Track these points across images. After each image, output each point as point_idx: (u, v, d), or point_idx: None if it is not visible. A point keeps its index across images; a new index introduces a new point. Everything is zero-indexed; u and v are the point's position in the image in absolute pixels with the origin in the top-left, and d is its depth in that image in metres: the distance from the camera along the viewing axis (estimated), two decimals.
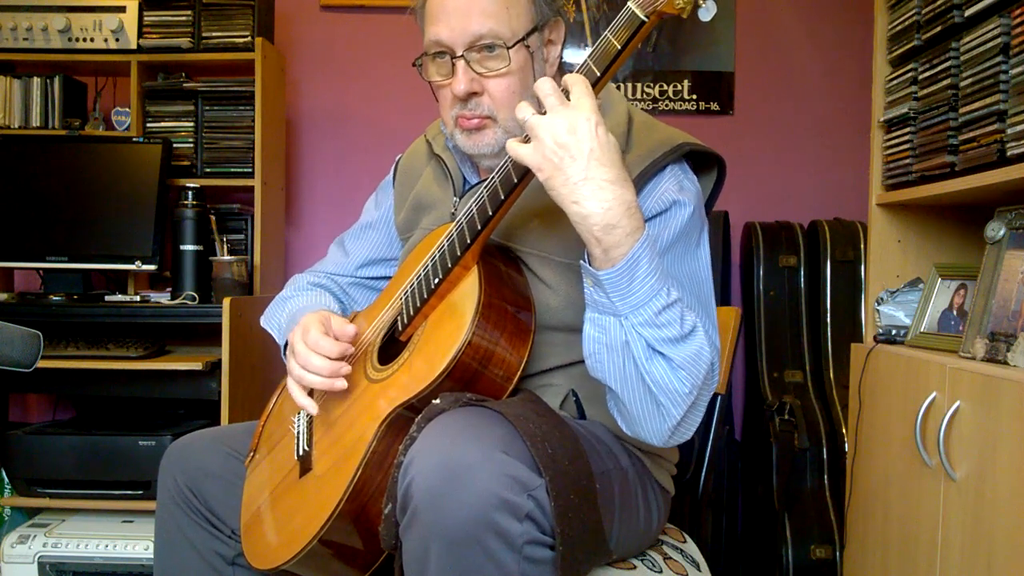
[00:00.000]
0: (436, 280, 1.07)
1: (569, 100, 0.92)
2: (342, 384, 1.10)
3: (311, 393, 1.21)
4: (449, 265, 1.05)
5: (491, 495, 0.84)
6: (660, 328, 0.93)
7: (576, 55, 2.75)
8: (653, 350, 0.94)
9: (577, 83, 0.92)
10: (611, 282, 0.92)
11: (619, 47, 0.91)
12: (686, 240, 1.08)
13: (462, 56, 1.09)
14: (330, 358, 1.09)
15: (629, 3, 0.90)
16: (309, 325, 1.12)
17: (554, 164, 0.90)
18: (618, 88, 2.77)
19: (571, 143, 0.89)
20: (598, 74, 0.92)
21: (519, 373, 1.03)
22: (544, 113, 0.92)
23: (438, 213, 1.24)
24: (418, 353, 1.05)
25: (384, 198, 1.41)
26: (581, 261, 0.96)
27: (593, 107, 0.91)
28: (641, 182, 1.07)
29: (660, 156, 1.08)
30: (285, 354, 1.20)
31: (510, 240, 1.13)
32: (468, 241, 1.04)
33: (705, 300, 1.08)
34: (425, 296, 1.09)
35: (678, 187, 1.08)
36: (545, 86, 0.93)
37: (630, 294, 0.92)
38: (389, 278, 1.34)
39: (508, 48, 1.09)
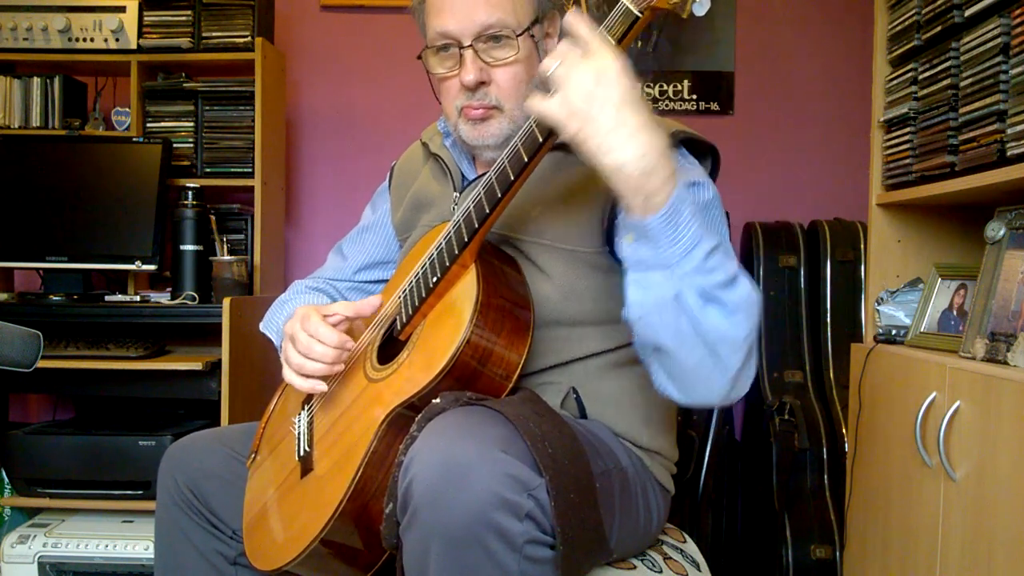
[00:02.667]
0: (434, 279, 1.07)
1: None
2: (339, 367, 1.11)
3: (310, 394, 1.22)
4: (447, 264, 1.06)
5: (491, 494, 0.84)
6: (710, 273, 0.89)
7: None
8: (707, 297, 0.89)
9: (596, 38, 0.88)
10: (658, 229, 0.87)
11: (614, 43, 0.90)
12: (710, 212, 1.07)
13: (470, 46, 1.09)
14: (331, 346, 1.10)
15: None
16: (309, 314, 1.13)
17: (585, 114, 0.86)
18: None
19: (599, 91, 0.85)
20: None
21: (518, 371, 1.03)
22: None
23: (438, 210, 1.25)
24: (417, 352, 1.05)
25: (381, 203, 1.41)
26: (620, 216, 0.91)
27: (616, 56, 0.87)
28: None
29: None
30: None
31: (511, 229, 1.13)
32: (466, 239, 1.04)
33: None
34: (424, 295, 1.09)
35: (686, 171, 1.08)
36: (565, 45, 0.88)
37: (677, 240, 0.87)
38: (387, 282, 1.34)
39: (517, 36, 1.09)
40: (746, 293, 0.91)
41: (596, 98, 0.85)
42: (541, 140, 0.95)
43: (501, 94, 1.12)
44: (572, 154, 1.11)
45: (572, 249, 1.09)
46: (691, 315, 0.89)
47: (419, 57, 1.17)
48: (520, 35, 1.10)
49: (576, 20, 0.88)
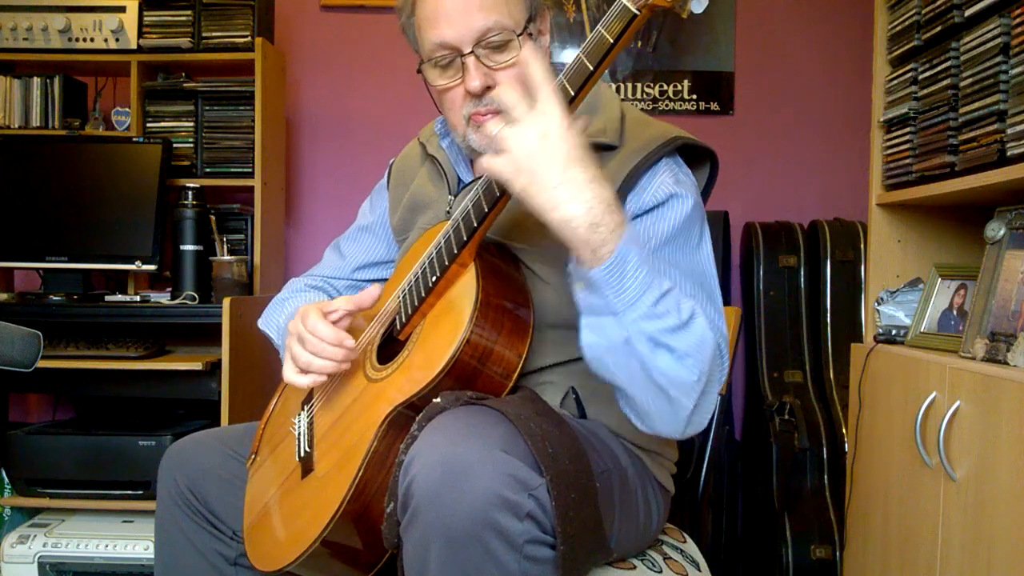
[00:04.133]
0: (434, 278, 1.07)
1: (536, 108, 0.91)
2: (346, 365, 1.11)
3: (310, 394, 1.22)
4: (446, 263, 1.05)
5: (492, 494, 0.84)
6: (659, 319, 0.91)
7: (575, 55, 2.75)
8: (655, 342, 0.92)
9: (543, 89, 0.91)
10: (604, 280, 0.90)
11: (611, 41, 0.90)
12: (687, 232, 1.08)
13: (472, 52, 1.09)
14: (343, 347, 1.10)
15: None
16: (308, 312, 1.12)
17: (530, 172, 0.89)
18: (618, 88, 2.78)
19: (545, 148, 0.88)
20: (591, 68, 0.92)
21: (518, 370, 1.03)
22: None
23: (434, 212, 1.24)
24: (417, 352, 1.05)
25: (379, 201, 1.41)
26: (569, 267, 0.95)
27: (561, 110, 0.90)
28: (636, 176, 1.07)
29: (654, 150, 1.09)
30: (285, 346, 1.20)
31: (507, 238, 1.13)
32: (464, 238, 1.04)
33: (709, 288, 1.07)
34: (423, 295, 1.08)
35: (674, 180, 1.08)
36: (509, 96, 0.92)
37: (624, 289, 0.90)
38: (385, 280, 1.34)
39: (518, 36, 1.09)
40: (697, 337, 0.93)
41: (541, 156, 0.88)
42: None
43: None
44: None
45: (567, 258, 1.09)
46: (641, 359, 0.92)
47: (419, 71, 1.16)
48: (520, 34, 1.09)
49: (532, 58, 0.91)
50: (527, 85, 0.91)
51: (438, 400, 0.96)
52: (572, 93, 0.93)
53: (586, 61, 0.92)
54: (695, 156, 1.17)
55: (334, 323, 1.12)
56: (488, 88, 1.10)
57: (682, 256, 1.07)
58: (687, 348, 0.92)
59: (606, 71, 2.90)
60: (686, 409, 0.95)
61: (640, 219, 1.07)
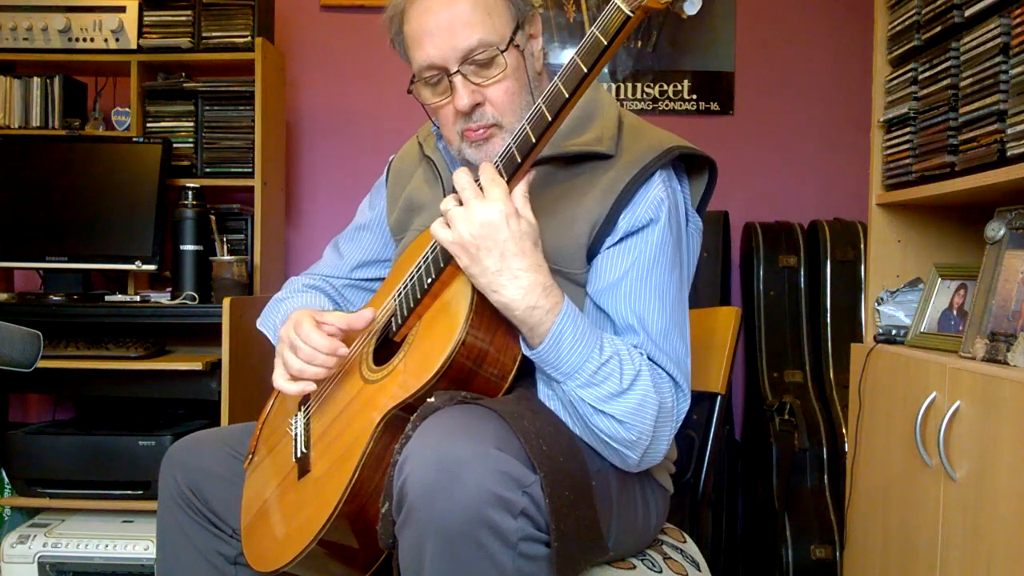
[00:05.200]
0: (429, 280, 1.07)
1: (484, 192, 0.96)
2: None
3: (307, 396, 1.22)
4: (442, 265, 1.05)
5: (485, 491, 0.84)
6: (598, 386, 0.99)
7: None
8: (594, 409, 0.99)
9: (485, 172, 0.97)
10: (542, 358, 0.99)
11: (605, 43, 0.90)
12: (664, 250, 1.09)
13: (458, 71, 1.09)
14: (336, 355, 1.11)
15: None
16: (302, 320, 1.12)
17: (471, 255, 0.96)
18: (618, 88, 2.79)
19: (485, 235, 0.95)
20: (585, 70, 0.92)
21: (514, 372, 1.03)
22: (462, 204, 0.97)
23: (430, 214, 1.24)
24: (413, 353, 1.05)
25: (377, 199, 1.41)
26: (520, 341, 1.02)
27: (504, 197, 0.96)
28: (632, 189, 1.08)
29: (649, 163, 1.09)
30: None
31: None
32: None
33: (679, 314, 1.09)
34: (419, 296, 1.08)
35: (666, 195, 1.09)
36: (461, 179, 0.98)
37: (561, 363, 0.98)
38: (383, 279, 1.34)
39: (503, 52, 1.09)
40: (636, 402, 1.00)
41: (482, 242, 0.95)
42: (534, 141, 0.96)
43: (498, 111, 1.11)
44: (563, 168, 1.12)
45: (557, 268, 1.09)
46: (586, 419, 1.01)
47: (409, 91, 1.16)
48: (505, 50, 1.09)
49: (483, 168, 0.98)
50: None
51: (432, 400, 0.96)
52: (567, 95, 0.93)
53: (580, 63, 0.92)
54: (693, 162, 1.16)
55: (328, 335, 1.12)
56: (477, 105, 1.10)
57: (663, 278, 1.08)
58: (624, 413, 1.00)
59: (606, 71, 2.90)
60: (633, 458, 1.03)
61: (631, 238, 1.08)
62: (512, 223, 0.95)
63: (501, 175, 0.98)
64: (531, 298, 0.96)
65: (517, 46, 1.11)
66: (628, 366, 1.01)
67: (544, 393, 1.05)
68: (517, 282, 0.96)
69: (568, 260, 1.09)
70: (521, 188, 0.99)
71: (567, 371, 0.98)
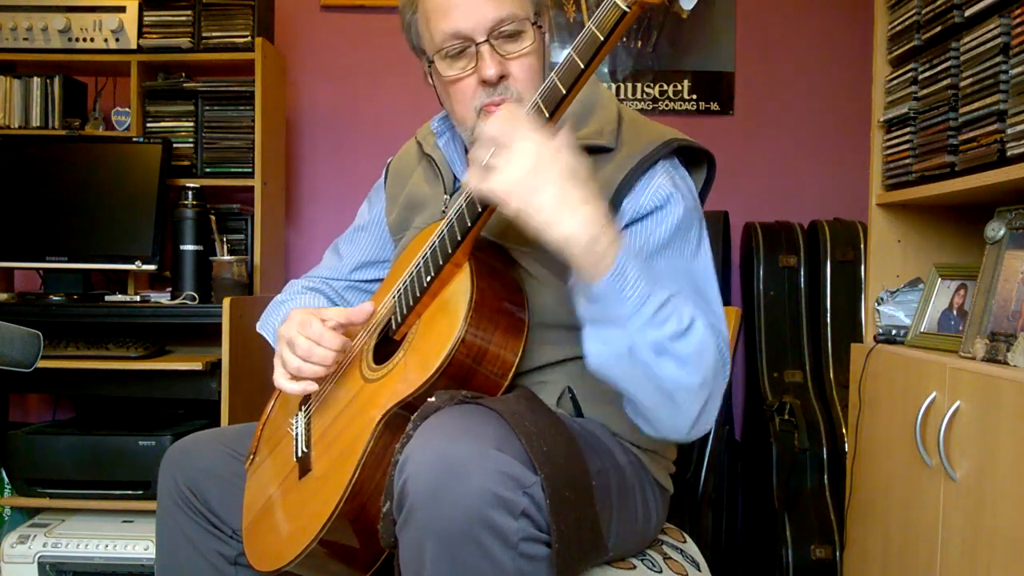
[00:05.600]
0: (428, 278, 1.07)
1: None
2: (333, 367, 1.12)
3: (307, 395, 1.22)
4: (440, 263, 1.05)
5: (486, 492, 0.84)
6: (660, 326, 0.93)
7: None
8: (659, 350, 0.94)
9: (529, 113, 0.93)
10: (605, 292, 0.92)
11: (602, 38, 0.90)
12: (683, 236, 1.08)
13: (487, 40, 1.08)
14: (333, 350, 1.10)
15: None
16: (309, 320, 1.13)
17: (522, 196, 0.90)
18: (618, 88, 2.79)
19: (536, 172, 0.89)
20: (582, 66, 0.92)
21: (514, 370, 1.03)
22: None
23: (430, 212, 1.24)
24: (412, 352, 1.05)
25: (376, 200, 1.41)
26: (570, 282, 0.96)
27: (548, 132, 0.91)
28: (632, 180, 1.07)
29: (651, 152, 1.09)
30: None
31: (502, 238, 1.13)
32: (459, 238, 1.03)
33: (705, 292, 1.07)
34: (418, 294, 1.08)
35: (671, 183, 1.08)
36: (494, 126, 0.92)
37: (625, 300, 0.92)
38: (383, 280, 1.34)
39: (533, 24, 1.09)
40: (698, 341, 0.95)
41: (532, 180, 0.89)
42: None
43: (520, 86, 1.10)
44: None
45: (562, 258, 1.09)
46: (646, 367, 0.94)
47: (429, 70, 1.15)
48: (534, 23, 1.10)
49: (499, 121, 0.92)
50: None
51: (433, 399, 0.96)
52: (563, 91, 0.93)
53: (577, 59, 0.92)
54: (693, 158, 1.16)
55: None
56: (503, 77, 1.10)
57: (679, 261, 1.07)
58: (688, 354, 0.94)
59: (606, 71, 2.90)
60: (692, 412, 0.97)
61: (637, 224, 1.07)
62: (561, 155, 0.90)
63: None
64: (593, 229, 0.90)
65: (540, 27, 1.12)
66: (684, 308, 0.95)
67: (594, 352, 0.97)
68: (578, 214, 0.90)
69: None
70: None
71: (629, 310, 0.92)
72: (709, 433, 1.40)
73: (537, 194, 0.90)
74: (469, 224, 1.02)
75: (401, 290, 1.12)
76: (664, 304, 0.93)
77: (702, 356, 0.95)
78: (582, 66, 0.92)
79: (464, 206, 1.03)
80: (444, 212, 1.19)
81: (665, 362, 0.94)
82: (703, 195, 1.19)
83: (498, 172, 0.91)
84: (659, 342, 0.93)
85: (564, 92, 0.93)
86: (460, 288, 1.03)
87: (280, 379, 1.15)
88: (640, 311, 0.92)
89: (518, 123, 0.92)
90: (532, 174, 0.89)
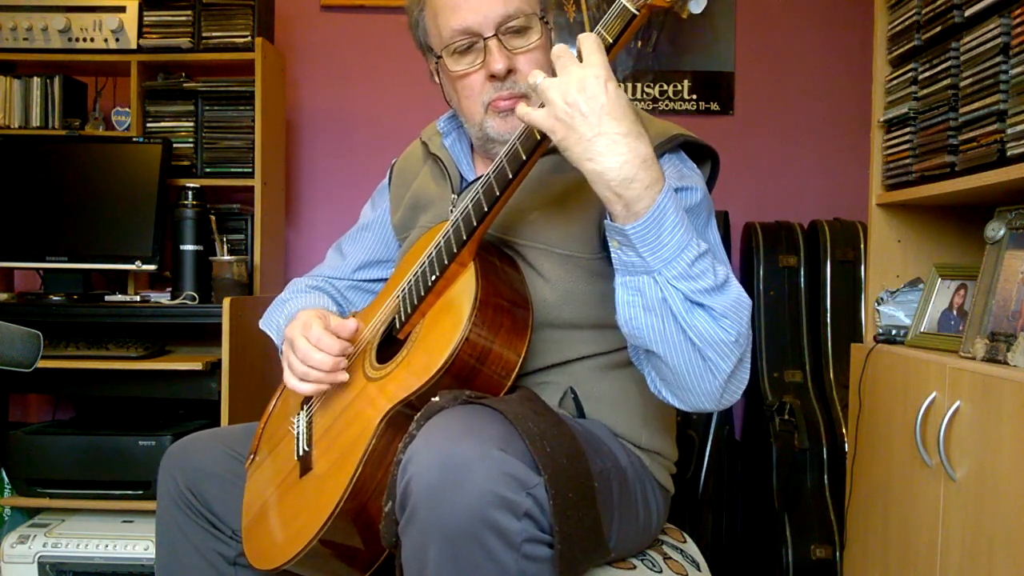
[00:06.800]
0: (433, 277, 1.07)
1: (581, 60, 0.91)
2: (344, 376, 1.11)
3: (307, 397, 1.22)
4: (446, 262, 1.06)
5: (489, 493, 0.84)
6: (695, 279, 0.91)
7: None
8: (692, 302, 0.91)
9: (587, 41, 0.91)
10: (639, 236, 0.90)
11: (611, 41, 0.91)
12: (695, 219, 1.08)
13: (495, 35, 1.09)
14: (331, 355, 1.10)
15: None
16: (310, 321, 1.13)
17: (566, 123, 0.89)
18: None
19: (581, 100, 0.88)
20: None
21: (517, 370, 1.03)
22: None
23: (436, 211, 1.25)
24: (416, 350, 1.05)
25: (380, 201, 1.41)
26: (606, 221, 0.93)
27: (603, 63, 0.89)
28: None
29: (656, 146, 1.09)
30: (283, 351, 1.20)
31: (509, 233, 1.13)
32: (464, 238, 1.04)
33: (725, 263, 1.07)
34: (422, 294, 1.09)
35: (678, 175, 1.09)
36: (558, 49, 0.92)
37: (660, 247, 0.90)
38: (385, 280, 1.34)
39: (540, 19, 1.10)
40: (734, 298, 0.93)
41: (579, 105, 0.88)
42: (539, 139, 0.96)
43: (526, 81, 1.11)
44: None
45: (569, 254, 1.09)
46: (678, 318, 0.91)
47: (436, 67, 1.16)
48: (542, 18, 1.11)
49: (563, 46, 0.92)
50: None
51: (436, 399, 0.96)
52: None
53: None
54: (696, 155, 1.17)
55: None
56: (510, 72, 1.10)
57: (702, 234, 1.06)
58: (724, 308, 0.92)
59: None
60: (723, 373, 0.94)
61: None
62: (611, 87, 0.89)
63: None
64: (628, 169, 0.88)
65: (546, 22, 1.13)
66: (719, 266, 0.94)
67: (624, 301, 0.94)
68: (615, 147, 0.88)
69: (580, 246, 1.10)
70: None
71: (666, 256, 0.90)
72: (709, 433, 1.40)
73: (579, 123, 0.88)
74: (475, 224, 1.02)
75: (406, 289, 1.13)
76: (701, 256, 0.91)
77: (738, 311, 0.93)
78: None
79: (470, 206, 1.03)
80: (451, 211, 1.19)
81: (698, 314, 0.92)
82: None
83: (547, 100, 0.90)
84: (693, 294, 0.91)
85: None
86: (465, 288, 1.03)
87: (290, 379, 1.15)
88: (675, 260, 0.90)
89: (587, 48, 0.91)
90: (577, 102, 0.88)
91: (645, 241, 0.90)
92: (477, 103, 1.14)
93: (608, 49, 0.91)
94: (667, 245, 0.89)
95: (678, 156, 1.13)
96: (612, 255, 0.95)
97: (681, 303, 0.91)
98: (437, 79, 1.21)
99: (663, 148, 1.10)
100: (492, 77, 1.11)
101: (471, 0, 1.09)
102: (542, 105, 0.92)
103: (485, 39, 1.10)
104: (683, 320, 0.91)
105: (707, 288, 0.91)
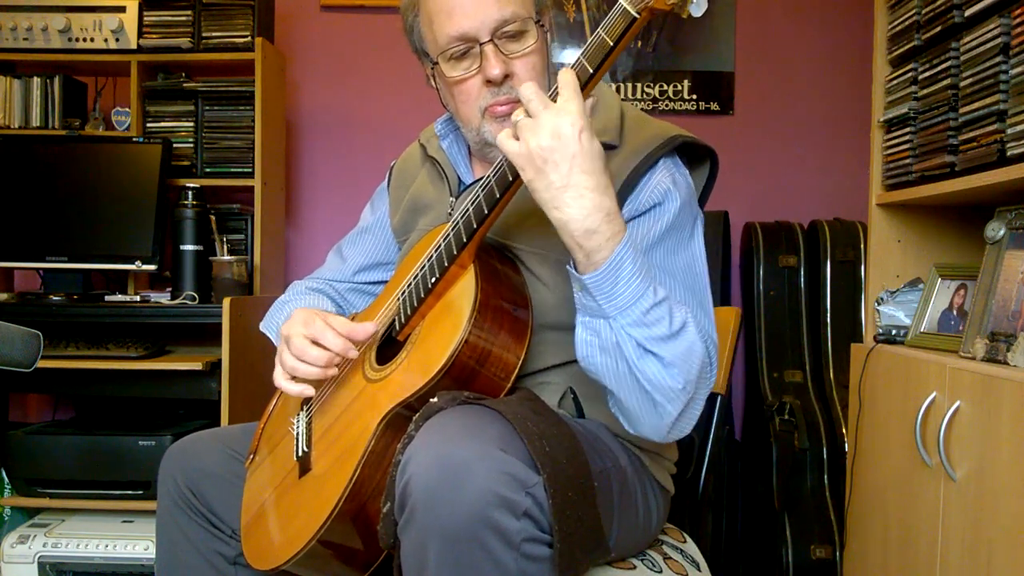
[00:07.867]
0: (433, 279, 1.07)
1: (556, 102, 0.91)
2: (332, 371, 1.11)
3: (307, 398, 1.21)
4: (446, 264, 1.06)
5: (489, 492, 0.84)
6: (649, 327, 0.94)
7: (575, 55, 2.75)
8: (644, 349, 0.94)
9: (567, 85, 0.92)
10: (596, 285, 0.93)
11: (612, 44, 0.91)
12: (678, 233, 1.08)
13: (490, 41, 1.09)
14: (334, 351, 1.09)
15: (621, 0, 0.90)
16: (312, 318, 1.12)
17: (537, 167, 0.91)
18: (618, 88, 2.78)
19: (555, 148, 0.90)
20: (591, 71, 0.92)
21: (517, 371, 1.03)
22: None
23: (435, 214, 1.24)
24: (415, 352, 1.05)
25: (380, 203, 1.41)
26: (568, 266, 0.96)
27: (580, 110, 0.90)
28: (636, 177, 1.08)
29: (653, 150, 1.09)
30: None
31: (507, 238, 1.13)
32: (464, 240, 1.04)
33: (699, 292, 1.08)
34: (422, 295, 1.09)
35: (670, 180, 1.09)
36: (528, 90, 0.93)
37: (615, 296, 0.93)
38: (386, 282, 1.34)
39: (536, 23, 1.10)
40: (685, 347, 0.96)
41: (550, 154, 0.90)
42: (512, 178, 0.96)
43: None
44: None
45: (566, 260, 1.09)
46: (630, 363, 0.95)
47: (432, 72, 1.15)
48: (537, 22, 1.10)
49: (534, 85, 0.93)
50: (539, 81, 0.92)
51: (435, 400, 0.96)
52: None
53: (586, 64, 0.93)
54: (695, 155, 1.17)
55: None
56: (507, 76, 1.10)
57: (674, 257, 1.08)
58: (674, 357, 0.95)
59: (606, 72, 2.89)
60: (671, 415, 0.98)
61: (635, 221, 1.08)
62: (584, 138, 0.90)
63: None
64: (592, 221, 0.90)
65: (543, 26, 1.12)
66: (677, 313, 0.96)
67: (583, 340, 0.98)
68: (581, 201, 0.90)
69: None
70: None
71: (621, 304, 0.93)
72: (709, 433, 1.40)
73: (548, 170, 0.90)
74: (475, 226, 1.02)
75: (406, 291, 1.12)
76: (657, 305, 0.94)
77: (688, 361, 0.96)
78: (591, 71, 0.93)
79: (470, 208, 1.03)
80: (450, 214, 1.19)
81: (649, 361, 0.95)
82: (706, 191, 1.19)
83: (521, 139, 0.92)
84: (644, 342, 0.94)
85: None
86: (465, 290, 1.03)
87: (279, 378, 1.15)
88: (629, 309, 0.93)
89: (564, 91, 0.92)
90: (548, 150, 0.90)
91: (601, 290, 0.93)
92: (474, 108, 1.13)
93: (608, 54, 0.91)
94: (622, 294, 0.93)
95: (673, 160, 1.13)
96: (574, 296, 0.98)
97: (634, 349, 0.94)
98: (433, 83, 1.21)
99: (660, 152, 1.09)
100: (488, 82, 1.11)
101: (466, 5, 1.08)
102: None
103: (481, 44, 1.09)
104: (634, 365, 0.95)
105: (660, 336, 0.94)
